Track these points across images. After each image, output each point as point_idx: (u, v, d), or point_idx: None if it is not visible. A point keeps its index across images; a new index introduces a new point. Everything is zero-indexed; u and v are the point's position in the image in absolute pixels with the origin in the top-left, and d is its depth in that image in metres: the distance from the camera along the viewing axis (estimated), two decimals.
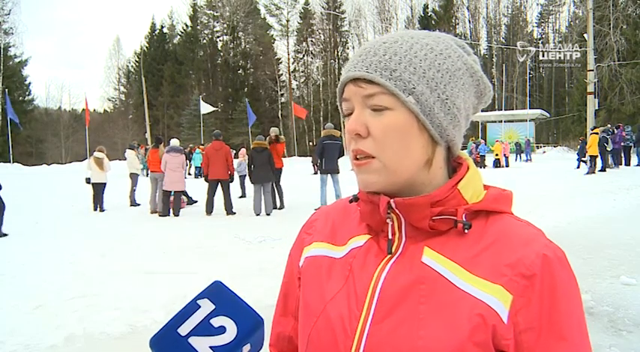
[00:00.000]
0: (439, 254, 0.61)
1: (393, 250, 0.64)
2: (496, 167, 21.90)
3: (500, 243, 0.60)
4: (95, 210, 10.04)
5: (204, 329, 0.54)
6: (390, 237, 0.64)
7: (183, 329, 0.54)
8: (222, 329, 0.54)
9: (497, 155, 22.51)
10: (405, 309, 0.59)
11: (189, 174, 21.95)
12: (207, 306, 0.55)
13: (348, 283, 0.65)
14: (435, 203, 0.61)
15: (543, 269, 0.57)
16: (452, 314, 0.57)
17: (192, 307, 0.56)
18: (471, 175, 0.65)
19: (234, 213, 9.05)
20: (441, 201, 0.62)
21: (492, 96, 0.71)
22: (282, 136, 10.02)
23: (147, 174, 12.50)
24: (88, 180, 10.12)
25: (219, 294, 0.57)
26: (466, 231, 0.61)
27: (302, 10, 48.94)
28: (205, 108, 29.75)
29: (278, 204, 9.63)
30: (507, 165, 22.65)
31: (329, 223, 0.75)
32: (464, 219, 0.61)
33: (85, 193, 11.69)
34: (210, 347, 0.53)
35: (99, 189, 10.06)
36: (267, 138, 9.74)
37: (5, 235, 7.20)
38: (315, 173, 20.07)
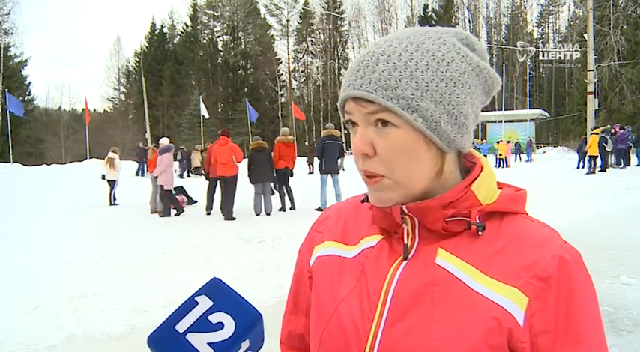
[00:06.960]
0: (453, 255, 0.60)
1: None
2: (499, 166, 21.91)
3: (515, 244, 0.59)
4: (111, 204, 11.05)
5: (202, 325, 0.54)
6: (405, 241, 0.63)
7: (181, 326, 0.54)
8: (220, 325, 0.53)
9: (500, 154, 22.51)
10: (419, 312, 0.58)
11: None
12: (205, 303, 0.55)
13: (360, 284, 0.64)
14: (448, 205, 0.60)
15: (560, 271, 0.57)
16: (466, 316, 0.56)
17: (190, 304, 0.55)
18: (484, 175, 0.63)
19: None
20: (454, 203, 0.60)
21: (495, 93, 0.68)
22: (292, 136, 9.90)
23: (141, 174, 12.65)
24: (103, 177, 11.38)
25: (217, 291, 0.56)
26: (480, 232, 0.60)
27: (302, 10, 48.96)
28: (205, 111, 29.89)
29: (288, 205, 9.35)
30: (507, 165, 22.68)
31: (341, 222, 0.73)
32: (477, 221, 0.60)
33: (85, 194, 11.81)
34: (208, 344, 0.52)
35: (111, 185, 11.27)
36: (288, 137, 9.48)
37: (234, 219, 8.30)
38: (310, 172, 20.03)
